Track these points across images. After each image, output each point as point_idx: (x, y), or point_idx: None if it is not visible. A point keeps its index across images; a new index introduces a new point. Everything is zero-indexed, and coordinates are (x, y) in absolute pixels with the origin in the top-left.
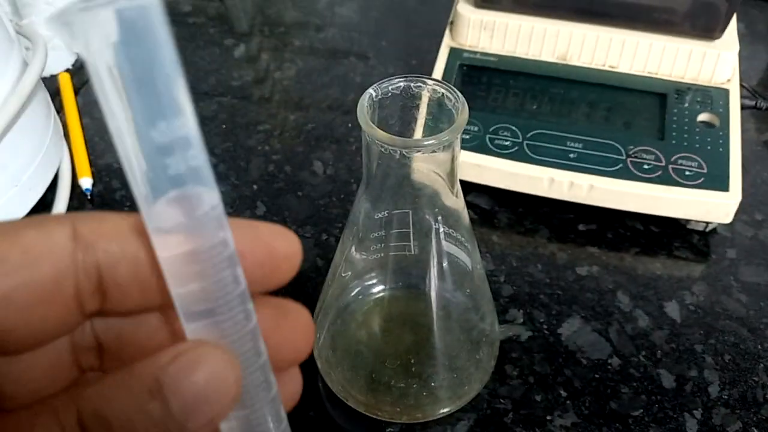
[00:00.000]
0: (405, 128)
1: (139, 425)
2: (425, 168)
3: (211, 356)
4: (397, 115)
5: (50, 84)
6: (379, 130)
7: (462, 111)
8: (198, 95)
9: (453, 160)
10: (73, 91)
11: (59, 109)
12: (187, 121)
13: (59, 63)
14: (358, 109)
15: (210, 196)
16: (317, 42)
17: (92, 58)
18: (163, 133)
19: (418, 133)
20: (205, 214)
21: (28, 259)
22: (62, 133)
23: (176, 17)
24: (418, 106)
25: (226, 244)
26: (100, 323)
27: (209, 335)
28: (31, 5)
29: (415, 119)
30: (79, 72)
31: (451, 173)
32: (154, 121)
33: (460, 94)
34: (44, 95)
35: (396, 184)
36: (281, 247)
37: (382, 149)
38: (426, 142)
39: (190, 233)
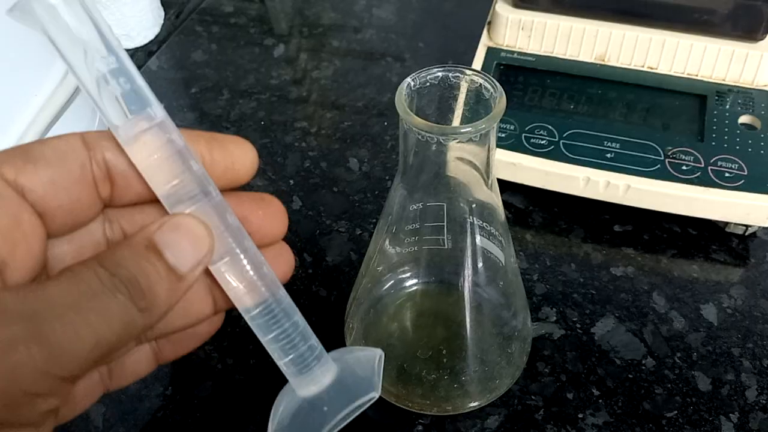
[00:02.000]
0: (442, 118)
1: (148, 270)
2: (460, 159)
3: (185, 219)
4: (435, 105)
5: None
6: (416, 117)
7: (500, 101)
8: (238, 93)
9: (488, 151)
10: None
11: None
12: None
13: None
14: (396, 96)
15: (156, 110)
16: (354, 43)
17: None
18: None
19: (456, 123)
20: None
21: (59, 155)
22: (107, 127)
23: (218, 18)
24: (456, 97)
25: (174, 141)
26: (128, 218)
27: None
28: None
29: (453, 110)
30: None
31: (487, 165)
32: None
33: (498, 84)
34: None
35: (432, 175)
36: (239, 155)
37: (419, 136)
38: (463, 130)
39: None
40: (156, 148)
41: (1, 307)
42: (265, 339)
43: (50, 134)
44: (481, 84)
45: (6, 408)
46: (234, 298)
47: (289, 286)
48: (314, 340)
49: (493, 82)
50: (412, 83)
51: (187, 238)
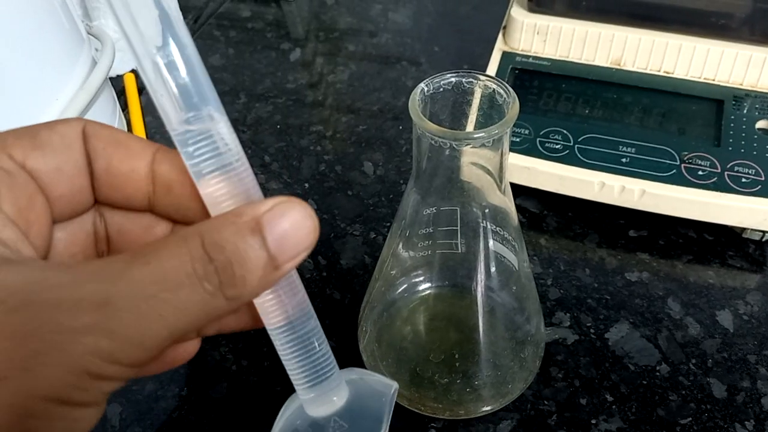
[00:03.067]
0: (456, 124)
1: (243, 251)
2: (474, 164)
3: (297, 207)
4: (449, 110)
5: (116, 83)
6: (429, 122)
7: (513, 106)
8: (254, 97)
9: (502, 156)
10: (137, 91)
11: (124, 108)
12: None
13: (125, 64)
14: (410, 102)
15: (209, 110)
16: (370, 47)
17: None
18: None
19: (470, 128)
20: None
21: (66, 143)
22: (126, 130)
23: (236, 22)
24: (469, 102)
25: (223, 151)
26: (109, 218)
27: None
28: (100, 8)
29: (467, 115)
30: None
31: (500, 170)
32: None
33: (511, 90)
34: (111, 93)
35: (445, 179)
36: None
37: (433, 142)
38: (476, 135)
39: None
40: (205, 153)
41: (75, 289)
42: (283, 352)
43: None
44: (494, 89)
45: (71, 388)
46: (262, 311)
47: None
48: (331, 359)
49: (506, 87)
50: (426, 88)
51: (295, 227)
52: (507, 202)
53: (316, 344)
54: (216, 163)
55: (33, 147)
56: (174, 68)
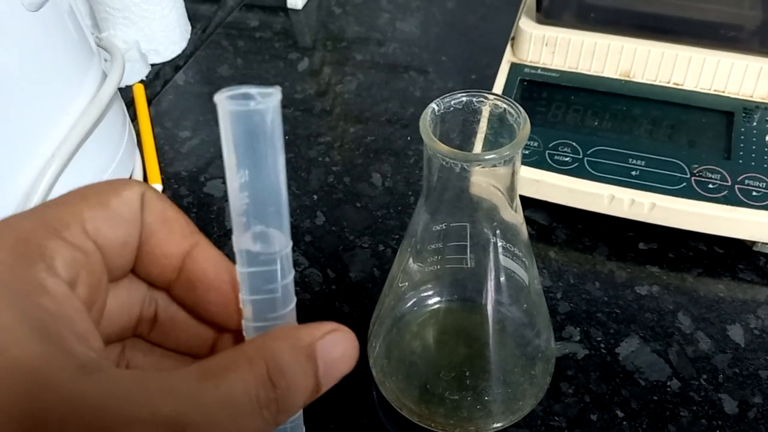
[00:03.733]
0: (465, 142)
1: (299, 378)
2: (485, 182)
3: (347, 338)
4: (459, 129)
5: (125, 94)
6: (440, 143)
7: (524, 126)
8: None
9: (513, 174)
10: (146, 102)
11: (133, 119)
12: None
13: (134, 75)
14: (420, 122)
15: (280, 239)
16: (378, 56)
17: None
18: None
19: (478, 147)
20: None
21: (133, 214)
22: (135, 141)
23: (244, 32)
24: (479, 121)
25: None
26: (161, 302)
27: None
28: (109, 20)
29: (476, 133)
30: (152, 83)
31: (511, 188)
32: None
33: (522, 110)
34: (120, 105)
35: (455, 197)
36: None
37: (443, 162)
38: (487, 157)
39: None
40: (258, 274)
41: (151, 408)
42: None
43: (80, 153)
44: (505, 109)
45: None
46: None
47: (313, 302)
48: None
49: (517, 107)
50: (437, 108)
51: (343, 357)
52: (518, 218)
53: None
54: (266, 285)
55: (106, 219)
56: (246, 189)
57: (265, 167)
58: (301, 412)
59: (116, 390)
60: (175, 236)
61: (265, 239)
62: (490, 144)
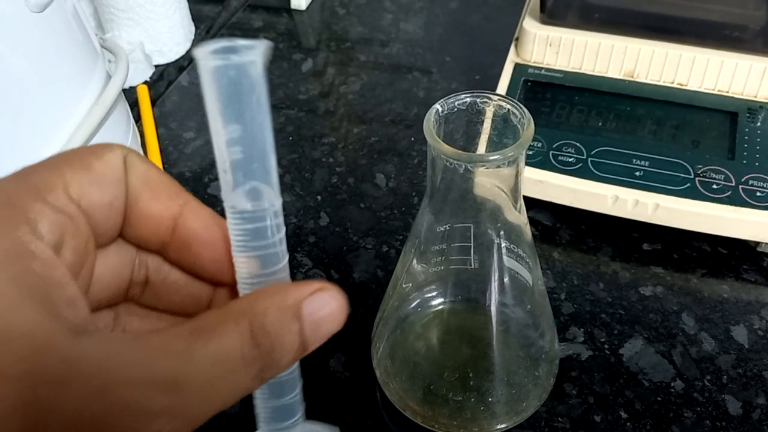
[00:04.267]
0: (469, 143)
1: (283, 337)
2: (489, 183)
3: (334, 298)
4: (462, 129)
5: (129, 95)
6: (444, 144)
7: (528, 127)
8: None
9: (517, 175)
10: (150, 103)
11: (137, 120)
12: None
13: (138, 75)
14: (424, 123)
15: (270, 195)
16: (382, 57)
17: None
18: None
19: (482, 148)
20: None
21: (116, 175)
22: (139, 142)
23: (248, 33)
24: (483, 122)
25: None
26: (152, 264)
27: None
28: (114, 20)
29: (480, 134)
30: (156, 84)
31: (515, 189)
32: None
33: (525, 111)
34: (124, 106)
35: (459, 198)
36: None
37: (447, 163)
38: (491, 158)
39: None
40: (248, 230)
41: (147, 368)
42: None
43: None
44: (509, 109)
45: None
46: None
47: None
48: (297, 407)
49: (521, 107)
50: (441, 109)
51: (330, 317)
52: (521, 219)
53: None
54: (257, 242)
55: (90, 182)
56: (233, 144)
57: (251, 122)
58: (297, 366)
59: (111, 351)
60: (162, 197)
61: (254, 195)
62: (494, 145)
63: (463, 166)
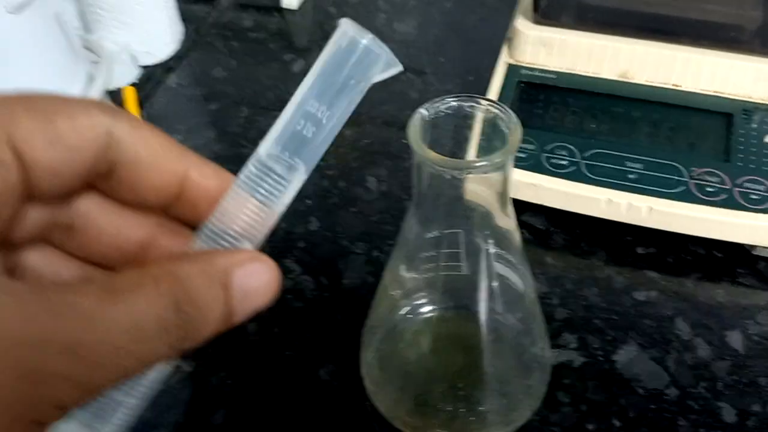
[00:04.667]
0: (458, 148)
1: (208, 305)
2: (477, 188)
3: (267, 269)
4: (450, 134)
5: (116, 97)
6: (429, 150)
7: (515, 132)
8: (257, 110)
9: (505, 180)
10: (137, 105)
11: None
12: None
13: (124, 77)
14: (409, 128)
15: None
16: None
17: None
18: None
19: (472, 153)
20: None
21: (82, 144)
22: None
23: (238, 32)
24: (470, 126)
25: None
26: (82, 209)
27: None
28: (100, 21)
29: (468, 139)
30: (144, 86)
31: (503, 193)
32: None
33: (513, 115)
34: None
35: (446, 204)
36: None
37: (433, 170)
38: (478, 164)
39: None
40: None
41: (45, 326)
42: None
43: None
44: (496, 114)
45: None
46: None
47: (306, 310)
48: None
49: (508, 111)
50: (426, 114)
51: (260, 290)
52: (511, 225)
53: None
54: (259, 197)
55: (45, 138)
56: (308, 119)
57: (335, 114)
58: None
59: (2, 301)
60: (162, 165)
61: (289, 169)
62: (483, 150)
63: (450, 173)
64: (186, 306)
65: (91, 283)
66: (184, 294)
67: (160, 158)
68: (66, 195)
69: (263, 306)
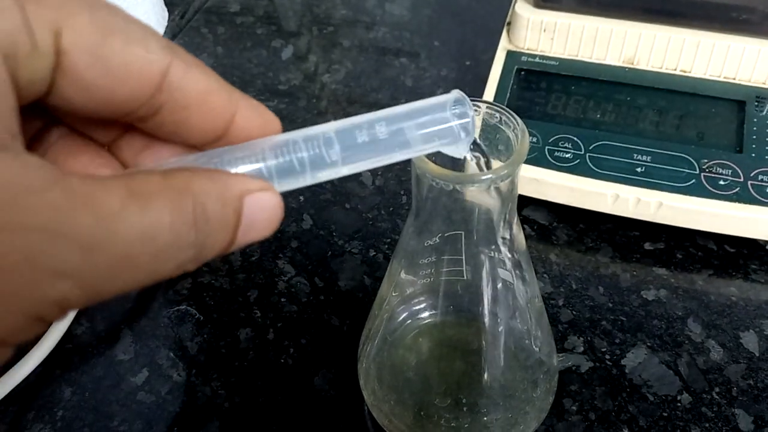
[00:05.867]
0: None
1: (219, 228)
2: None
3: (275, 202)
4: None
5: None
6: (431, 163)
7: (522, 140)
8: None
9: (512, 186)
10: None
11: None
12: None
13: None
14: None
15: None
16: (367, 42)
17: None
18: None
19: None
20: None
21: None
22: None
23: (224, 17)
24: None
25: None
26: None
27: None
28: None
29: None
30: None
31: (508, 198)
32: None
33: (519, 121)
34: None
35: (447, 211)
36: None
37: (434, 183)
38: (483, 177)
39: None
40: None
41: (66, 220)
42: None
43: None
44: (500, 118)
45: (17, 331)
46: None
47: (300, 314)
48: None
49: (514, 117)
50: None
51: (265, 222)
52: (515, 228)
53: None
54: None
55: (92, 58)
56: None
57: (387, 145)
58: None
59: (25, 180)
60: (210, 109)
61: (318, 163)
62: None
63: (452, 186)
64: (203, 225)
65: (116, 180)
66: (202, 214)
67: (210, 102)
68: (89, 120)
69: (264, 237)
